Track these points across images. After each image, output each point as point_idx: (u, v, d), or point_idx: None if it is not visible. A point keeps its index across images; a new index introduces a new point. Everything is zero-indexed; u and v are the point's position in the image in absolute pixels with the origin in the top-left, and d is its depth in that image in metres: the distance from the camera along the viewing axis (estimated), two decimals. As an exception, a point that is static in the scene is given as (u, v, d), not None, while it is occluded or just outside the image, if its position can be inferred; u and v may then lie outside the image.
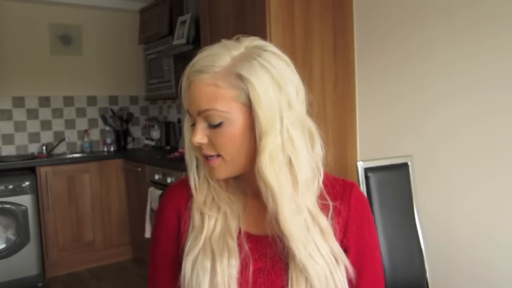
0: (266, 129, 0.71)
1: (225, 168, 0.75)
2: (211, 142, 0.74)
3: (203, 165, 0.80)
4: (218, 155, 0.74)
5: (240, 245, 0.76)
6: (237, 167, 0.76)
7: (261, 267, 0.76)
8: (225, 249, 0.74)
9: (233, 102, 0.71)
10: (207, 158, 0.76)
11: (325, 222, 0.76)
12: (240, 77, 0.70)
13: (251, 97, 0.70)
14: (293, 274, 0.74)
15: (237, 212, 0.79)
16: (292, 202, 0.73)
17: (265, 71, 0.71)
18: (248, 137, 0.73)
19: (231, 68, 0.71)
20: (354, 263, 0.78)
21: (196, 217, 0.79)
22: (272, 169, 0.71)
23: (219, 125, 0.72)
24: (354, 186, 0.84)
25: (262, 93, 0.70)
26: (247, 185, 0.81)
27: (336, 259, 0.75)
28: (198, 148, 0.76)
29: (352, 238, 0.81)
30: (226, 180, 0.81)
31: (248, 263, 0.75)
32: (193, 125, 0.76)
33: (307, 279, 0.73)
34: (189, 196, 0.83)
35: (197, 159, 0.81)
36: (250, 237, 0.78)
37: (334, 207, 0.79)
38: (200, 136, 0.73)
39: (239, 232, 0.78)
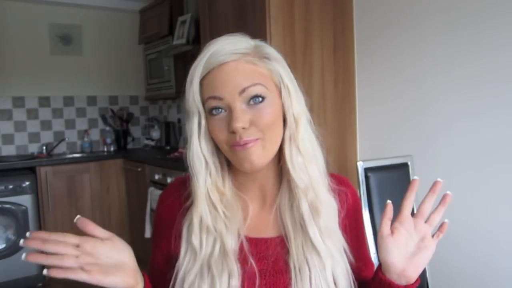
0: (300, 112, 0.73)
1: (264, 154, 0.70)
2: (252, 124, 0.68)
3: (235, 154, 0.70)
4: (256, 139, 0.69)
5: (242, 254, 0.73)
6: (272, 153, 0.72)
7: (262, 269, 0.74)
8: (224, 269, 0.70)
9: (270, 80, 0.71)
10: (236, 144, 0.69)
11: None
12: (269, 59, 0.72)
13: (283, 76, 0.72)
14: (296, 273, 0.72)
15: (235, 228, 0.73)
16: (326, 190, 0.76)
17: (281, 56, 0.74)
18: (280, 121, 0.73)
19: (258, 51, 0.72)
20: (354, 256, 0.79)
21: (194, 234, 0.72)
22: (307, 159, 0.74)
23: (262, 101, 0.68)
24: (347, 180, 0.86)
25: (290, 73, 0.74)
26: (249, 189, 0.78)
27: (340, 254, 0.76)
28: (227, 137, 0.69)
29: (352, 232, 0.83)
30: (222, 193, 0.75)
31: (253, 277, 0.72)
32: (217, 111, 0.69)
33: (310, 277, 0.72)
34: (182, 201, 0.78)
35: (206, 162, 0.73)
36: (250, 241, 0.75)
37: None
38: (244, 120, 0.67)
39: (241, 244, 0.74)
